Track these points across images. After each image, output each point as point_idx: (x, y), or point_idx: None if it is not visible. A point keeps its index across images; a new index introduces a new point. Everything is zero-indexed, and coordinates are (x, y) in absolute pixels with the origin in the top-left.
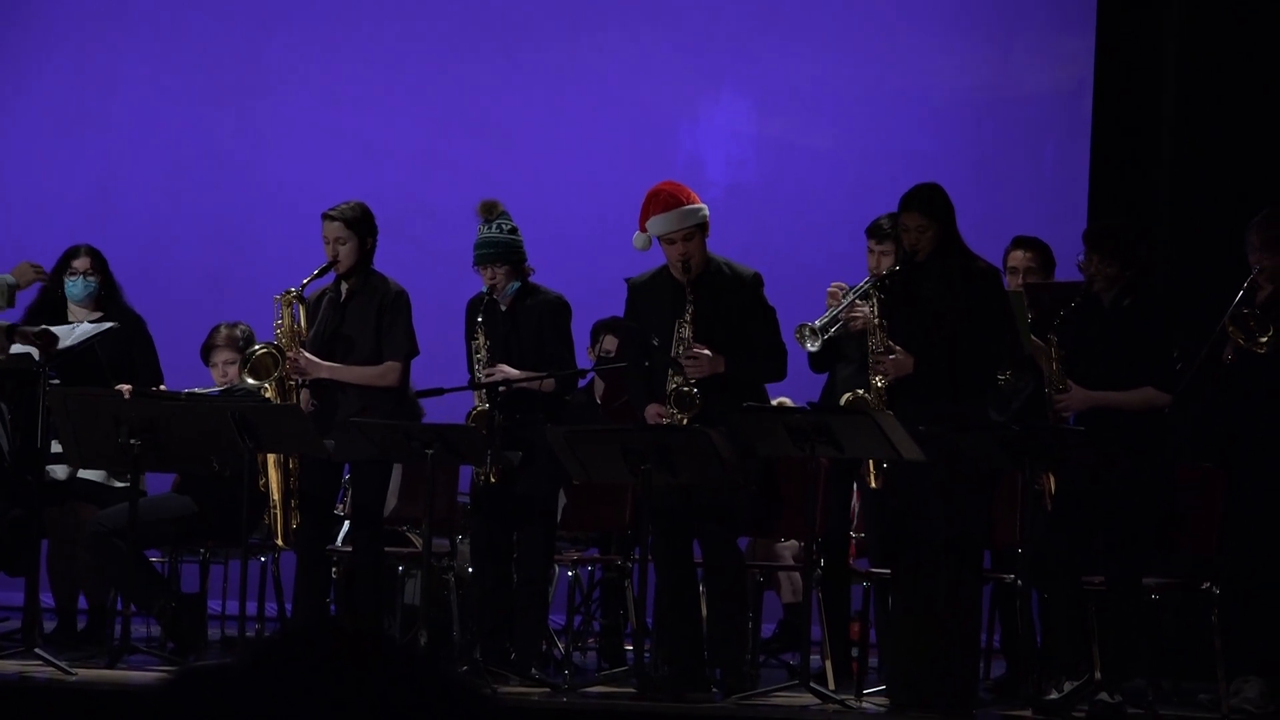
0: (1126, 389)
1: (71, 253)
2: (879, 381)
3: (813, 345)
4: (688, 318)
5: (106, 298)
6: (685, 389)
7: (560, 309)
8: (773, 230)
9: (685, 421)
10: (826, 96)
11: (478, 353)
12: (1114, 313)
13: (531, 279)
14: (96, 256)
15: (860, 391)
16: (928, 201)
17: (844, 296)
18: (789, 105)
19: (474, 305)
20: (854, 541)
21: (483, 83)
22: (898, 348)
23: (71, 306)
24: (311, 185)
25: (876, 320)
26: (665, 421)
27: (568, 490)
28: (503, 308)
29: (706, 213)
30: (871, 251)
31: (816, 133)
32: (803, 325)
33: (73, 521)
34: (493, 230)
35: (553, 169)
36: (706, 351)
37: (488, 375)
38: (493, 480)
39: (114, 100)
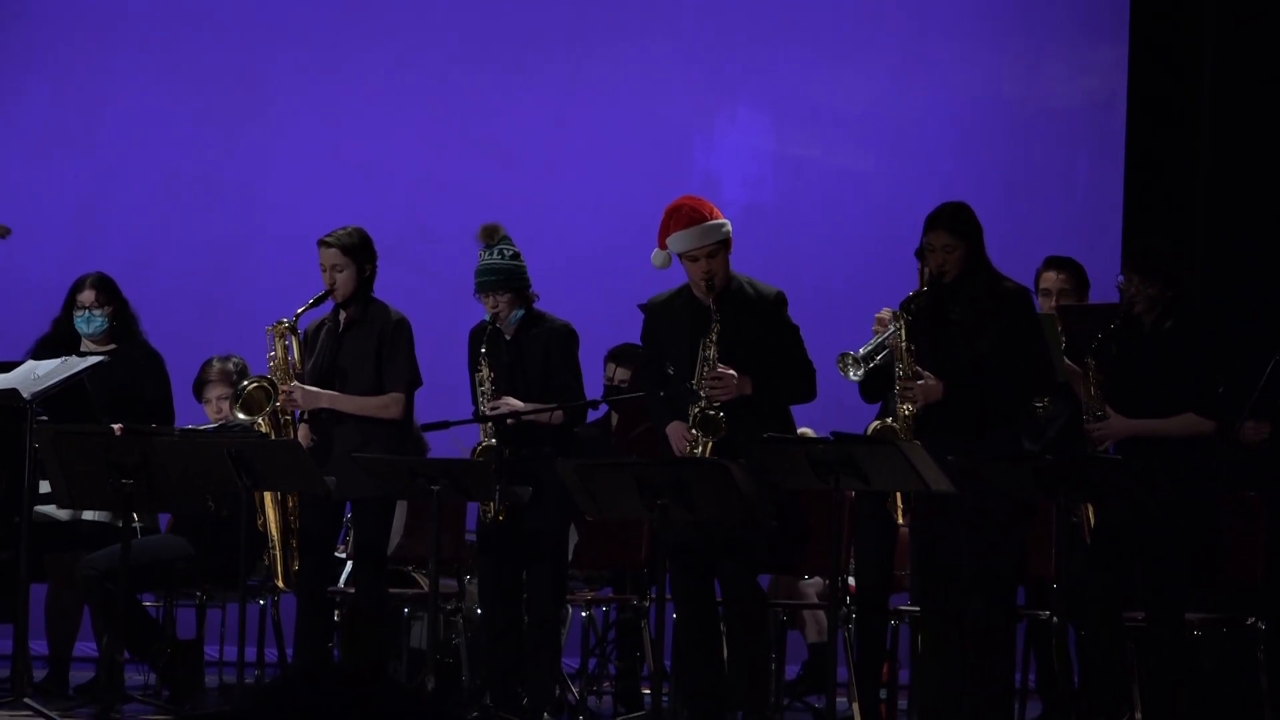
0: (1167, 415)
1: (77, 286)
2: (906, 409)
3: (856, 374)
4: (713, 337)
5: (120, 329)
6: (710, 412)
7: (567, 337)
8: (791, 252)
9: (710, 445)
10: (847, 111)
11: (481, 384)
12: (1154, 336)
13: (536, 306)
14: (105, 288)
15: (889, 420)
16: (955, 220)
17: (891, 323)
18: (808, 121)
19: (476, 335)
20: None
21: (486, 99)
22: (926, 373)
23: (85, 341)
24: (307, 209)
25: (905, 345)
26: (689, 444)
27: (580, 526)
28: (507, 337)
29: (730, 229)
30: (921, 274)
31: (836, 150)
32: (845, 354)
33: (73, 566)
34: (494, 256)
35: (560, 189)
36: (732, 372)
37: (493, 408)
38: (500, 517)
39: (99, 120)
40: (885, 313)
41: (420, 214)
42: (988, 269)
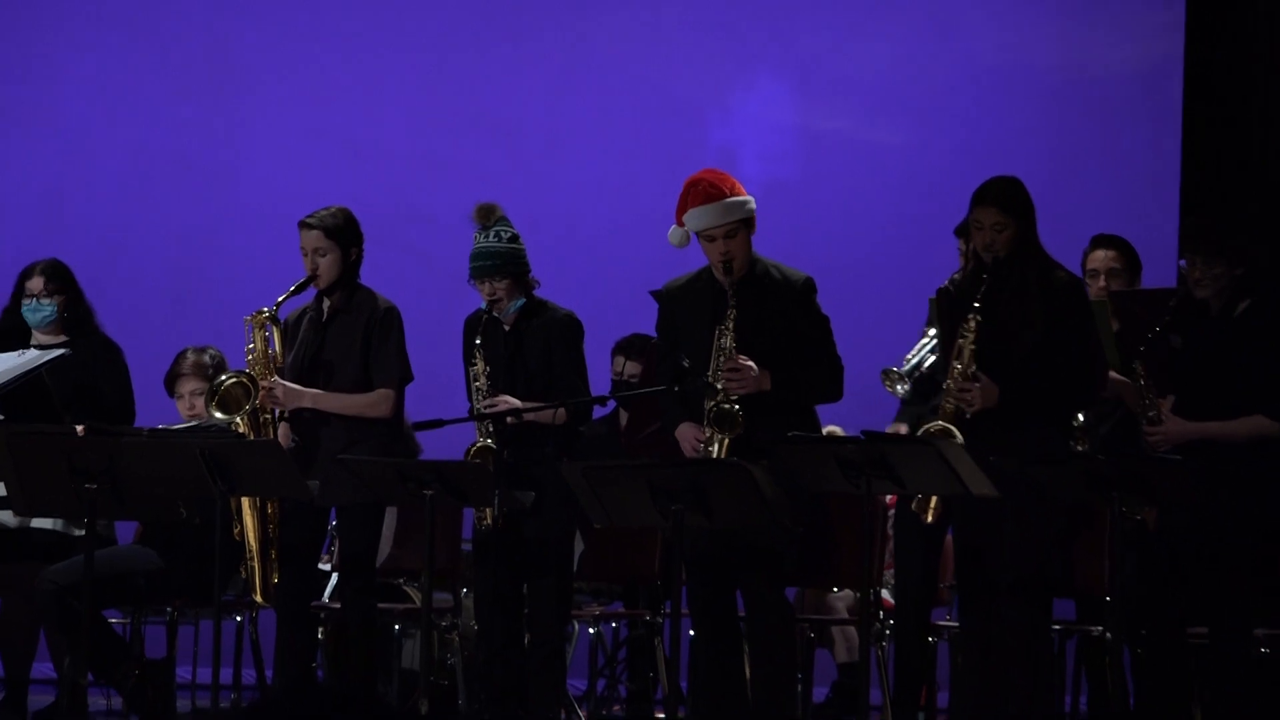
0: (1234, 414)
1: (25, 273)
2: (955, 408)
3: (902, 389)
4: (729, 325)
5: (72, 320)
6: (727, 406)
7: (570, 327)
8: (816, 234)
9: (727, 442)
10: (876, 80)
11: (476, 379)
12: (1225, 319)
13: (537, 293)
14: (56, 275)
15: (941, 424)
16: (1007, 196)
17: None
18: (833, 91)
19: (472, 325)
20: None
21: (482, 69)
22: (984, 375)
23: (34, 332)
24: (289, 190)
25: (972, 347)
26: (703, 445)
27: (586, 535)
28: (505, 327)
29: (753, 206)
30: (962, 253)
31: (865, 122)
32: (889, 370)
33: (26, 578)
34: (490, 239)
35: (562, 167)
36: (750, 363)
37: (488, 405)
38: (498, 524)
39: (60, 94)
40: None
41: (411, 194)
42: (1039, 253)
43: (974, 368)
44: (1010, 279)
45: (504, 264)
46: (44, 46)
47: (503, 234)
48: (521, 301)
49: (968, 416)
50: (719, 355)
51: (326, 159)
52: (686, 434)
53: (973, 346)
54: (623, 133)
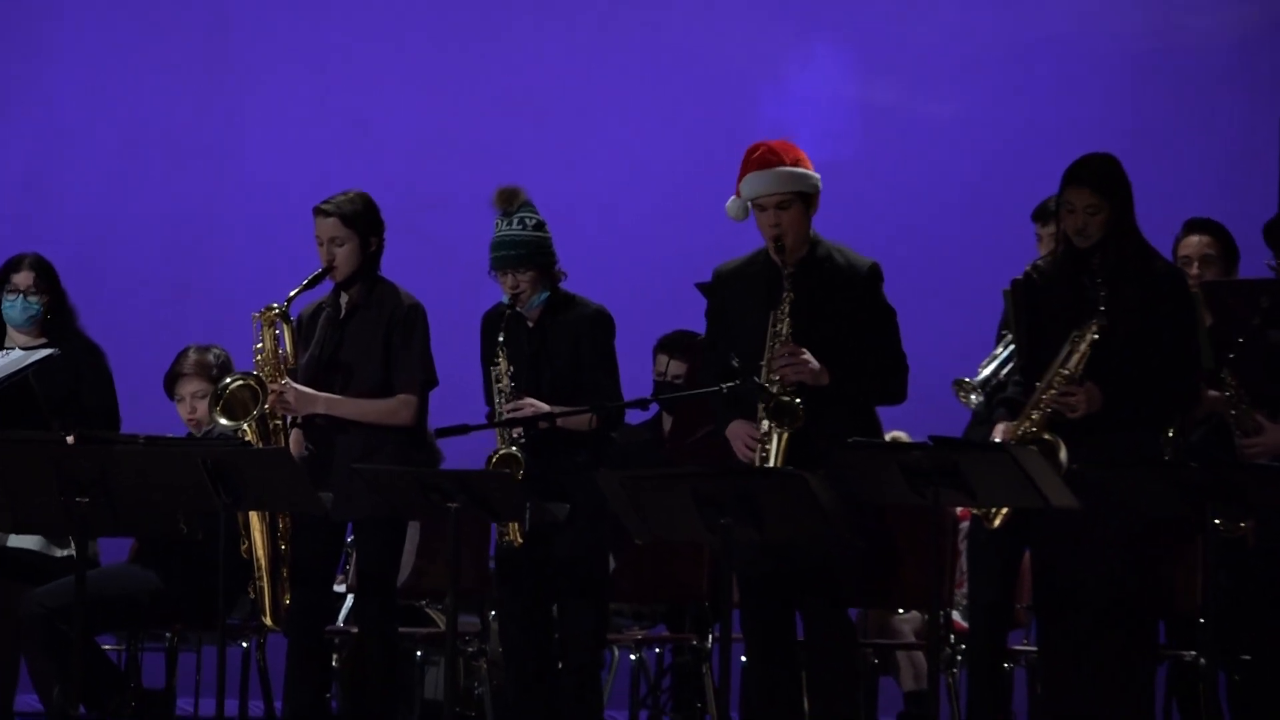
0: None
1: (11, 265)
2: (1044, 408)
3: (976, 399)
4: (785, 309)
5: (54, 322)
6: (786, 398)
7: (600, 323)
8: (876, 220)
9: (786, 438)
10: (946, 51)
11: (499, 381)
12: None
13: (563, 286)
14: (43, 271)
15: (1027, 425)
16: (1103, 176)
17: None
18: (898, 63)
19: (491, 321)
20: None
21: (504, 41)
22: (1089, 381)
23: (11, 331)
24: (296, 175)
25: (1088, 351)
26: (759, 442)
27: (617, 552)
28: (529, 324)
29: (815, 181)
30: (1041, 239)
31: (933, 96)
32: (961, 381)
33: (2, 601)
34: (514, 226)
35: (596, 149)
36: (809, 356)
37: (513, 410)
38: (519, 541)
39: (48, 73)
40: None
41: (427, 178)
42: (1137, 240)
43: (1080, 371)
44: (1103, 267)
45: (528, 254)
46: (21, 16)
47: (527, 221)
48: (546, 295)
49: (1070, 419)
50: (773, 342)
51: (336, 141)
52: (739, 432)
53: (1088, 351)
54: (662, 109)
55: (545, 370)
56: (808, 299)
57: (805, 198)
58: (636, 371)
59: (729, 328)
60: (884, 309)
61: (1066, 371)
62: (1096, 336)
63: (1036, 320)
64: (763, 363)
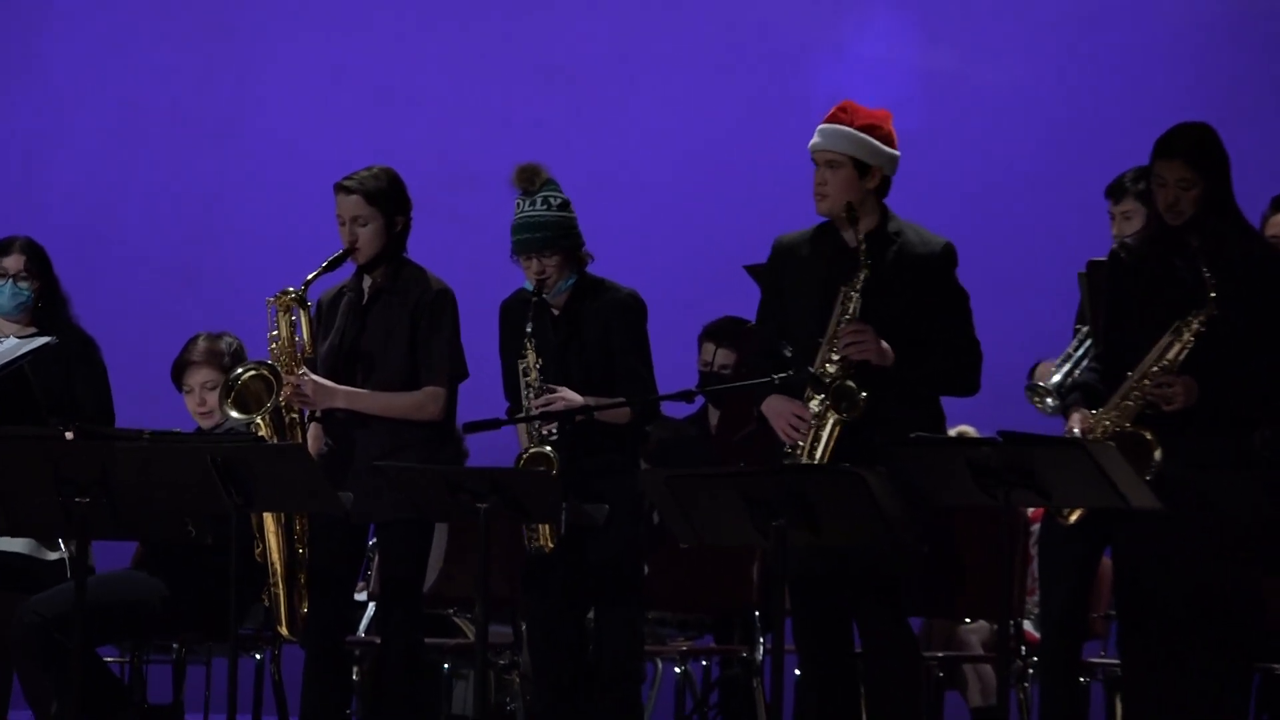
0: None
1: (2, 248)
2: (1141, 405)
3: (1053, 403)
4: (857, 286)
5: (44, 311)
6: (850, 384)
7: (633, 309)
8: (943, 193)
9: (839, 427)
10: (1014, 15)
11: (527, 374)
12: None
13: (590, 269)
14: (34, 256)
15: (1117, 420)
16: (1198, 149)
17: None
18: (963, 28)
19: (512, 309)
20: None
21: (535, 9)
22: (1185, 374)
23: None
24: (313, 149)
25: (1188, 345)
26: (806, 426)
27: (661, 556)
28: (555, 311)
29: (881, 152)
30: (1113, 218)
31: (1001, 64)
32: (1034, 385)
33: None
34: (537, 206)
35: (634, 122)
36: (874, 335)
37: (544, 403)
38: (550, 546)
39: (43, 44)
40: None
41: (454, 152)
42: (1235, 218)
43: (1178, 364)
44: (1198, 247)
45: (553, 236)
46: None
47: (551, 200)
48: (572, 280)
49: (1165, 410)
50: (839, 320)
51: (355, 112)
52: (782, 409)
53: (1192, 341)
54: (708, 79)
55: (574, 361)
56: (875, 277)
57: (861, 166)
58: (680, 361)
59: (785, 307)
60: (957, 291)
61: (1166, 361)
62: (1204, 327)
63: (1124, 304)
64: (822, 339)
